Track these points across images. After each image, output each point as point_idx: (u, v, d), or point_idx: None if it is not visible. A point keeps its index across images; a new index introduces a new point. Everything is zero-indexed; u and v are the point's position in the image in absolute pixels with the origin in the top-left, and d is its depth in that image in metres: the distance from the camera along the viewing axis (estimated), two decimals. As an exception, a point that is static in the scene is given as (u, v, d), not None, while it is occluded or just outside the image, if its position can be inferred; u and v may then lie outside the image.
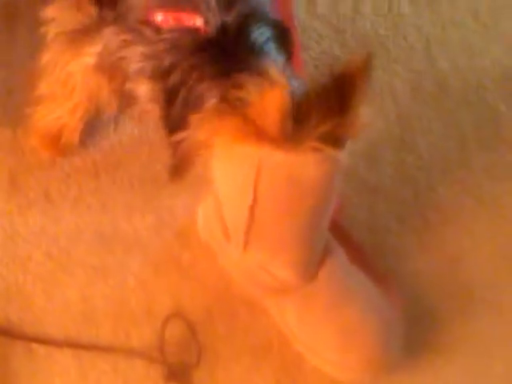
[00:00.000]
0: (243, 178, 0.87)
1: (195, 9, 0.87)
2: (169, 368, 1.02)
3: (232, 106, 0.81)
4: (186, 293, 1.06)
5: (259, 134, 0.81)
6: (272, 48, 0.90)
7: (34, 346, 1.02)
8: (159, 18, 0.87)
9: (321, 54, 1.24)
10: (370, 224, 1.15)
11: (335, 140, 0.83)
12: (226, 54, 0.86)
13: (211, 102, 0.85)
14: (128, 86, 0.93)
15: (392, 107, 1.24)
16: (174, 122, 0.89)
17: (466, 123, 1.25)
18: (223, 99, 0.83)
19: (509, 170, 1.23)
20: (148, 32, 0.88)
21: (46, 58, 0.99)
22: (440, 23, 1.30)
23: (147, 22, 0.88)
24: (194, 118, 0.85)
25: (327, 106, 0.81)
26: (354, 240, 1.07)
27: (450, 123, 1.25)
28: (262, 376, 1.05)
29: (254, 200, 0.87)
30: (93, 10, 0.93)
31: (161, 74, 0.88)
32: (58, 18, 0.96)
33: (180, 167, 0.91)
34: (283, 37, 0.93)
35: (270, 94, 0.78)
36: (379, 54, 1.25)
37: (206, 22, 0.86)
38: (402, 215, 1.16)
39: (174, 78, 0.87)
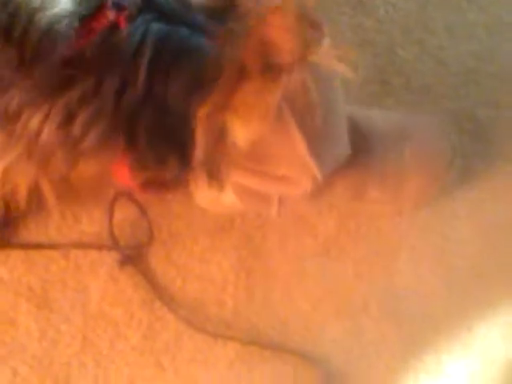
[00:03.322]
0: (279, 122, 0.80)
1: None
2: (122, 252, 0.98)
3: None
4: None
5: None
6: None
7: None
8: None
9: None
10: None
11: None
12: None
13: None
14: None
15: (348, -31, 1.17)
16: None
17: (426, -19, 1.19)
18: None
19: (471, 29, 1.18)
20: None
21: None
22: None
23: None
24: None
25: None
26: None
27: (409, -18, 1.19)
28: (222, 253, 1.02)
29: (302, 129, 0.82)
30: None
31: None
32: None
33: (215, 160, 0.81)
34: None
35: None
36: None
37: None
38: (361, 79, 1.10)
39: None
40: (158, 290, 0.99)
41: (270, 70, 0.72)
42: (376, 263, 1.04)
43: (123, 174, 0.91)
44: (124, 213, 1.00)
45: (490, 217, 1.08)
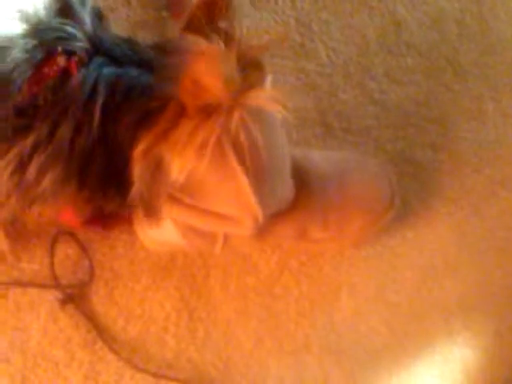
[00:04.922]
0: (220, 162, 0.81)
1: None
2: (63, 291, 0.97)
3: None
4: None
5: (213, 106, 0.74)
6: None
7: None
8: None
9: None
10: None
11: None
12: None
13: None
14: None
15: (290, 12, 1.20)
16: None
17: (367, 27, 1.22)
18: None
19: (410, 74, 1.21)
20: None
21: None
22: None
23: None
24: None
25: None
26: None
27: (351, 28, 1.21)
28: (164, 293, 1.02)
29: (245, 170, 0.82)
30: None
31: None
32: None
33: (151, 194, 0.81)
34: None
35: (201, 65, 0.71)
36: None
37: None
38: (303, 122, 1.13)
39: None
40: (99, 329, 0.98)
41: (204, 109, 0.74)
42: (318, 301, 1.05)
43: (65, 211, 0.91)
44: (65, 251, 0.99)
45: (427, 256, 1.11)
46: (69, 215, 0.93)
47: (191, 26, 0.81)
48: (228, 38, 0.78)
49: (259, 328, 1.03)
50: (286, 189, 0.94)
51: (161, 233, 0.95)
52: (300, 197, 0.97)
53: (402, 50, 1.22)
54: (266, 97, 0.77)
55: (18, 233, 0.95)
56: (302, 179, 0.98)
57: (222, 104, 0.74)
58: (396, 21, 1.23)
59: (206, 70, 0.72)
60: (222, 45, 0.76)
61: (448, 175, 1.15)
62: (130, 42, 0.81)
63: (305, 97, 1.16)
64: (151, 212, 0.82)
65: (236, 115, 0.75)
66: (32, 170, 0.76)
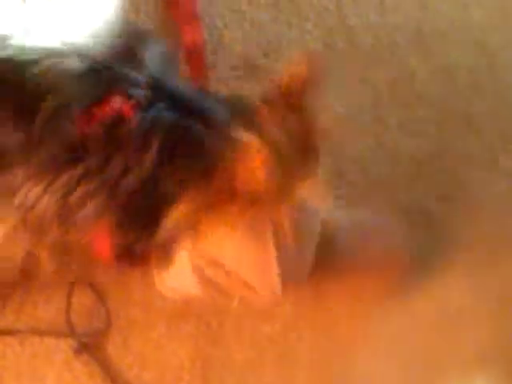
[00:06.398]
0: (258, 241, 0.84)
1: None
2: (78, 340, 0.98)
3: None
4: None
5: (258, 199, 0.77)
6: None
7: None
8: None
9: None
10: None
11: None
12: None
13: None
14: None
15: (303, 65, 1.22)
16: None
17: (379, 80, 1.24)
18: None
19: (422, 125, 1.22)
20: None
21: None
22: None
23: None
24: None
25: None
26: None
27: (364, 80, 1.23)
28: (180, 341, 1.02)
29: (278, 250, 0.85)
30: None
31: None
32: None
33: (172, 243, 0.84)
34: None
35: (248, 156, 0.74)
36: (289, 11, 1.22)
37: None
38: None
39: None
40: (113, 377, 0.99)
41: (251, 195, 0.76)
42: (333, 352, 1.05)
43: (103, 245, 0.91)
44: (82, 299, 1.00)
45: (443, 307, 1.10)
46: (104, 248, 0.94)
47: (269, 101, 0.82)
48: (304, 118, 0.80)
49: (274, 378, 1.03)
50: (306, 268, 0.95)
51: (179, 282, 0.96)
52: (321, 257, 0.97)
53: (415, 101, 1.24)
54: (315, 192, 0.79)
55: (36, 280, 0.96)
56: (326, 240, 0.98)
57: (270, 195, 0.76)
58: (408, 73, 1.25)
59: (259, 165, 0.74)
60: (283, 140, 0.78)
61: (461, 225, 1.16)
62: (193, 90, 0.82)
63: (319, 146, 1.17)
64: (163, 253, 0.83)
65: (282, 210, 0.77)
66: (76, 196, 0.77)
